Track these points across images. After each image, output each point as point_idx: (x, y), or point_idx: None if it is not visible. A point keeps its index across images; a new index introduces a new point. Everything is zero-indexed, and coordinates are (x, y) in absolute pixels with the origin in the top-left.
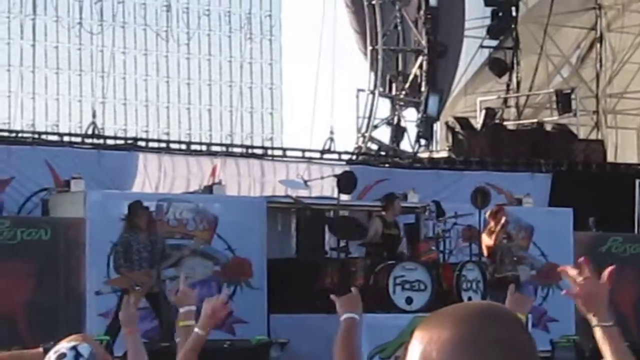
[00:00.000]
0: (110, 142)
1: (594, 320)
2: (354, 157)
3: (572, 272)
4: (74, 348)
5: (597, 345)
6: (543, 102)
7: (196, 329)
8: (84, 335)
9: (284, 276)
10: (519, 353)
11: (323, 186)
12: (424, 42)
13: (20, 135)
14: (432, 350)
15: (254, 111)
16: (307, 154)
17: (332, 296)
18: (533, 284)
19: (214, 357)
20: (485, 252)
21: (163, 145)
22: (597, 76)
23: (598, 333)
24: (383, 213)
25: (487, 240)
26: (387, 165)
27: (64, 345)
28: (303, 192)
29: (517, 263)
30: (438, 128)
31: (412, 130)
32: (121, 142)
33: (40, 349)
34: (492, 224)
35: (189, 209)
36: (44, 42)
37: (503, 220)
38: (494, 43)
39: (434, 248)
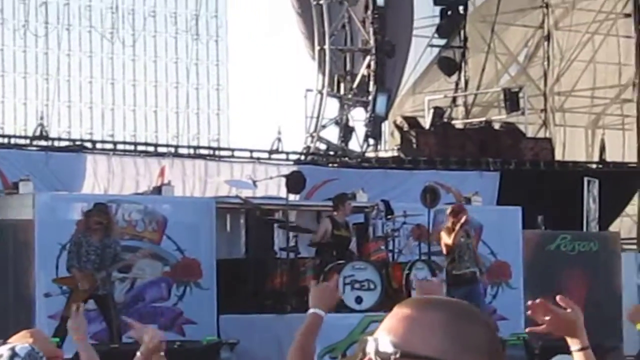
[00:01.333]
0: (57, 144)
1: (574, 345)
2: (302, 157)
3: (536, 313)
4: (12, 348)
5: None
6: (491, 101)
7: (138, 354)
8: (34, 331)
9: (234, 276)
10: (480, 352)
11: (268, 186)
12: (371, 42)
13: None
14: (400, 325)
15: (201, 112)
16: (255, 154)
17: (312, 282)
18: (483, 282)
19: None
20: (443, 250)
21: (110, 146)
22: (545, 74)
23: (577, 356)
24: (334, 213)
25: (445, 238)
26: (335, 165)
27: (5, 346)
28: (247, 193)
29: (475, 260)
30: (386, 127)
31: (360, 130)
32: (69, 143)
33: None
34: (450, 222)
35: (138, 210)
36: None
37: (463, 219)
38: (443, 42)
39: (383, 247)
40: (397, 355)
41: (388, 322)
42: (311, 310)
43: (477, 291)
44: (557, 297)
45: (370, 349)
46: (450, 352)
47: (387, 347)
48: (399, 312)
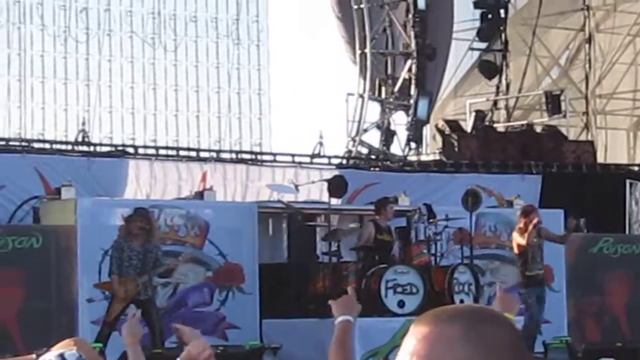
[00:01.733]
0: (99, 149)
1: None
2: (344, 161)
3: None
4: (61, 355)
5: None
6: (532, 104)
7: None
8: (78, 340)
9: (276, 281)
10: (506, 352)
11: (310, 190)
12: (412, 45)
13: (9, 143)
14: (421, 345)
15: (242, 117)
16: (297, 159)
17: (330, 301)
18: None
19: None
20: (516, 250)
21: (152, 152)
22: (587, 77)
23: None
24: (377, 217)
25: (518, 239)
26: (377, 168)
27: (52, 353)
28: (289, 197)
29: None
30: (428, 131)
31: (401, 134)
32: (111, 149)
33: (33, 356)
34: (522, 222)
35: (181, 215)
36: (30, 50)
37: (536, 219)
38: (483, 45)
39: (425, 251)
40: None
41: (409, 344)
42: (340, 319)
43: (544, 292)
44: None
45: None
46: (475, 357)
47: None
48: (416, 332)
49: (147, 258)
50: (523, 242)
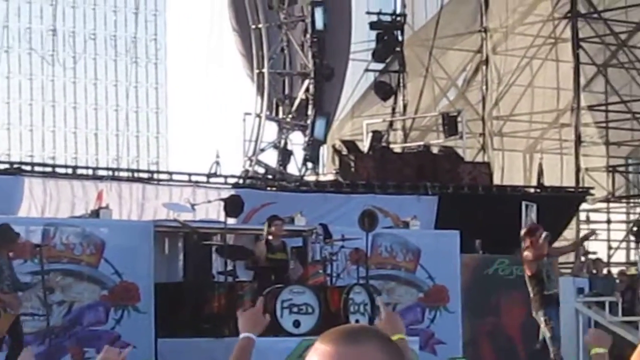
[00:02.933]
0: None
1: None
2: (241, 180)
3: None
4: None
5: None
6: (429, 125)
7: None
8: None
9: (172, 300)
10: None
11: (207, 209)
12: (310, 66)
13: None
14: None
15: (140, 135)
16: (194, 178)
17: (238, 312)
18: (420, 306)
19: None
20: (528, 272)
21: (49, 169)
22: (483, 99)
23: None
24: (269, 237)
25: (530, 257)
26: (273, 188)
27: None
28: (186, 216)
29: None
30: (325, 151)
31: (298, 154)
32: (7, 166)
33: None
34: (529, 242)
35: (76, 233)
36: None
37: (543, 235)
38: (380, 66)
39: (321, 271)
40: None
41: None
42: (242, 335)
43: (557, 309)
44: None
45: None
46: None
47: None
48: (325, 351)
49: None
50: (532, 258)
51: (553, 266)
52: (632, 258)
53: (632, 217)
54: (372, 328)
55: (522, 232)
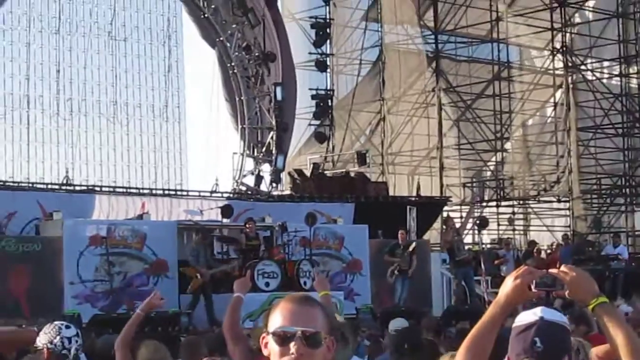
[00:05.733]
0: (77, 188)
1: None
2: (231, 195)
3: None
4: (59, 328)
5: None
6: (348, 159)
7: (138, 311)
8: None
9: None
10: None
11: (210, 213)
12: (273, 122)
13: (19, 184)
14: (282, 311)
15: (170, 166)
16: (202, 194)
17: (235, 281)
18: (344, 272)
19: (146, 323)
20: (445, 246)
21: (111, 189)
22: (382, 142)
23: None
24: (247, 230)
25: (446, 237)
26: (252, 200)
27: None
28: (197, 218)
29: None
30: (284, 176)
31: (267, 178)
32: (84, 188)
33: (34, 329)
34: (445, 228)
35: (128, 229)
36: None
37: (455, 225)
38: (318, 122)
39: (282, 251)
40: (299, 333)
41: (284, 314)
42: (235, 294)
43: (470, 271)
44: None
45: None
46: (326, 324)
47: (291, 330)
48: (288, 307)
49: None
50: (449, 239)
51: (460, 241)
52: (477, 240)
53: (476, 214)
54: (315, 298)
55: (443, 221)
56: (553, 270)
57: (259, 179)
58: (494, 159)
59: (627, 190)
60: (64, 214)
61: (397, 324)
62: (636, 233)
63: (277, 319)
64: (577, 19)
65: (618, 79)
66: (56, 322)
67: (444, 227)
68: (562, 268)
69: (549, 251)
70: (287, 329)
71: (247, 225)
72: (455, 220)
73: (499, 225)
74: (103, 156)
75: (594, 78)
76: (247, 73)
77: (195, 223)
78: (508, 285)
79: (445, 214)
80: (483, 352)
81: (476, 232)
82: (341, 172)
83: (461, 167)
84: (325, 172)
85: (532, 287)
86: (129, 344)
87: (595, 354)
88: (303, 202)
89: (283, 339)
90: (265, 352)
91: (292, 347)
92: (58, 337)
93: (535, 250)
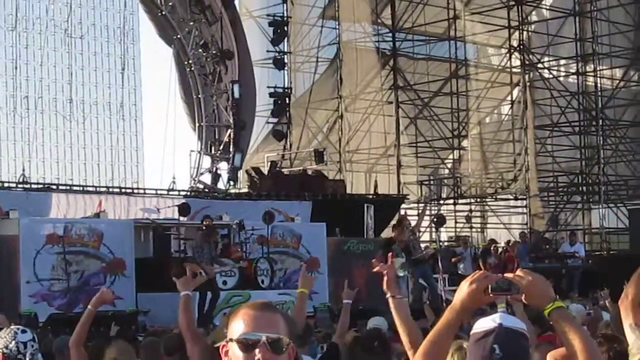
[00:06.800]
0: (34, 186)
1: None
2: (189, 193)
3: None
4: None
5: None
6: (306, 157)
7: (89, 307)
8: None
9: (146, 269)
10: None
11: (167, 211)
12: (231, 120)
13: None
14: (245, 318)
15: (126, 164)
16: (159, 192)
17: (175, 279)
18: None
19: (102, 321)
20: (400, 246)
21: (67, 187)
22: (340, 140)
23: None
24: (204, 228)
25: (400, 238)
26: (209, 197)
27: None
28: (154, 216)
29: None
30: (241, 174)
31: (224, 176)
32: (41, 186)
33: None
34: (398, 229)
35: (85, 228)
36: None
37: (409, 224)
38: (275, 120)
39: (239, 249)
40: (264, 339)
41: (247, 321)
42: (182, 293)
43: (428, 269)
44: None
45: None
46: (287, 329)
47: (255, 337)
48: (250, 314)
49: None
50: (404, 238)
51: (416, 240)
52: (434, 238)
53: (433, 212)
54: (274, 304)
55: (393, 224)
56: (509, 275)
57: (216, 177)
58: (451, 156)
59: (584, 188)
60: (21, 213)
61: (375, 322)
62: (593, 231)
63: (239, 326)
64: (534, 17)
65: (575, 77)
66: (12, 327)
67: (400, 226)
68: (518, 272)
69: (506, 248)
70: (251, 336)
71: (204, 223)
72: (412, 218)
73: (456, 223)
74: (60, 154)
75: (551, 76)
76: (204, 71)
77: (152, 221)
78: (463, 290)
79: (404, 212)
80: (440, 357)
81: (433, 229)
82: (299, 170)
83: (418, 165)
84: (283, 170)
85: (488, 291)
86: (82, 342)
87: (553, 358)
88: (260, 200)
89: (247, 345)
90: None
91: (257, 353)
92: (13, 342)
93: (492, 248)
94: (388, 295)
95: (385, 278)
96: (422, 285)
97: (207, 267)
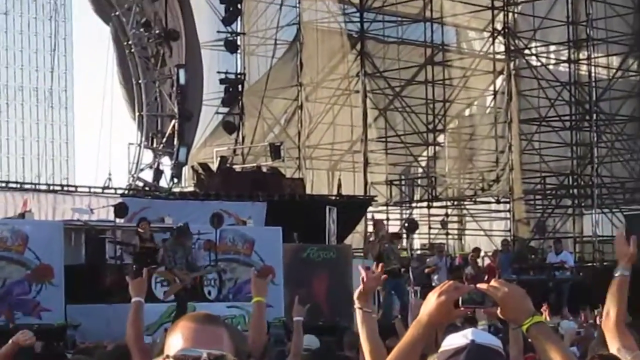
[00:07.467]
0: None
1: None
2: (126, 191)
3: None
4: None
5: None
6: (260, 152)
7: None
8: None
9: (77, 277)
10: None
11: (101, 212)
12: (175, 110)
13: None
14: (184, 331)
15: (55, 158)
16: (93, 190)
17: (128, 279)
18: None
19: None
20: (373, 257)
21: None
22: (299, 133)
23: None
24: (140, 232)
25: (373, 245)
26: (149, 197)
27: None
28: (86, 217)
29: (399, 258)
30: (186, 170)
31: (167, 172)
32: None
33: None
34: (371, 238)
35: (8, 229)
36: None
37: (384, 231)
38: (226, 110)
39: None
40: (205, 356)
41: (186, 335)
42: (134, 299)
43: (402, 282)
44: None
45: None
46: (234, 350)
47: (195, 353)
48: (190, 327)
49: None
50: (376, 249)
51: (393, 250)
52: (404, 245)
53: (404, 216)
54: (219, 317)
55: (370, 228)
56: (482, 286)
57: (158, 173)
58: (425, 153)
59: (575, 190)
60: None
61: (308, 341)
62: (584, 239)
63: (177, 341)
64: None
65: (566, 65)
66: None
67: (373, 232)
68: (493, 283)
69: (485, 259)
70: (190, 352)
71: (140, 226)
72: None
73: (430, 228)
74: None
75: (539, 64)
76: (146, 53)
77: (84, 223)
78: (431, 302)
79: (372, 216)
80: None
81: (404, 236)
82: (252, 167)
83: (388, 163)
84: (234, 166)
85: (459, 304)
86: (141, 338)
87: None
88: (208, 201)
89: None
90: None
91: None
92: None
93: (470, 257)
94: (356, 305)
95: (361, 286)
96: (393, 298)
97: (181, 273)
